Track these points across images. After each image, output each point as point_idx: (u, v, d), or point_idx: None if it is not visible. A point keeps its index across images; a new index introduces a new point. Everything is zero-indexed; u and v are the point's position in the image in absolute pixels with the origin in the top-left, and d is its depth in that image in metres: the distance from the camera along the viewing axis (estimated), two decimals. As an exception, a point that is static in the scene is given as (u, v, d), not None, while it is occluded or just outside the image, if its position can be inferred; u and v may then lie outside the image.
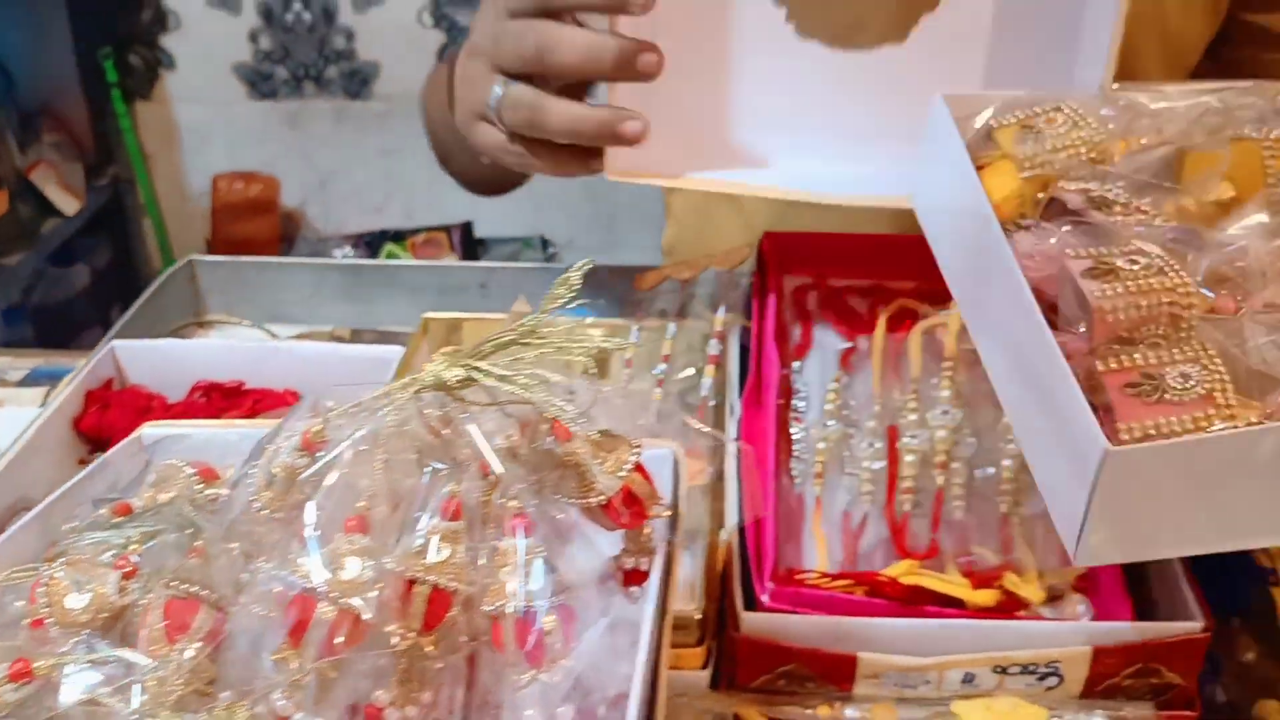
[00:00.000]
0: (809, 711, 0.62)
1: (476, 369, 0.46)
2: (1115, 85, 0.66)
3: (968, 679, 0.61)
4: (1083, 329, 0.52)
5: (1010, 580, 0.64)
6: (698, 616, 0.63)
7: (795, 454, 0.73)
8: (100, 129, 2.23)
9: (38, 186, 2.11)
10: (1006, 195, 0.58)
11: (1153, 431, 0.48)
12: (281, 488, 0.46)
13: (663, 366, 0.83)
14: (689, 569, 0.67)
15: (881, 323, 0.77)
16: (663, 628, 0.52)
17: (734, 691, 0.63)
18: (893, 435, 0.71)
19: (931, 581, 0.63)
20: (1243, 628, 0.74)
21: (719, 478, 0.70)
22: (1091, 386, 0.50)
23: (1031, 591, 0.63)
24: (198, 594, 0.47)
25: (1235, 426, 0.48)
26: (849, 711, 0.62)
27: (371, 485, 0.45)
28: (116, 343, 0.92)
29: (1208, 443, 0.48)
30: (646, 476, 0.52)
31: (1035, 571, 0.66)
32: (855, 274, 0.82)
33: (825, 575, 0.65)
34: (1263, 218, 0.55)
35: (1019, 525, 0.68)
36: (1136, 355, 0.50)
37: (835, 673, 0.61)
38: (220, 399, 0.94)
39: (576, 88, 0.74)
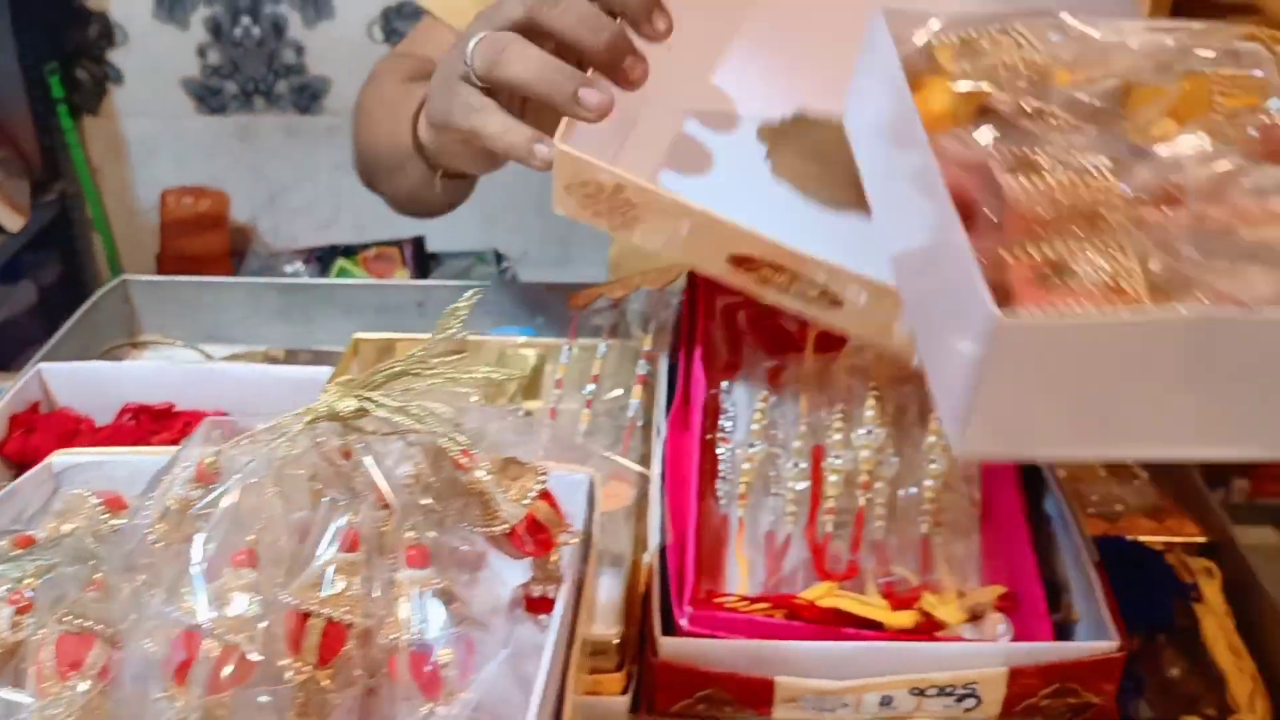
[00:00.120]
0: (728, 736, 0.61)
1: (369, 399, 0.45)
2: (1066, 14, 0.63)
3: (885, 701, 0.61)
4: (998, 222, 0.50)
5: (928, 601, 0.64)
6: (616, 641, 0.62)
7: (721, 474, 0.73)
8: (46, 144, 2.20)
9: (-18, 203, 2.09)
10: (940, 111, 0.57)
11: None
12: (175, 520, 0.46)
13: (592, 387, 0.83)
14: (612, 593, 0.67)
15: (811, 343, 0.77)
16: (571, 654, 0.52)
17: (653, 716, 0.62)
18: (817, 455, 0.71)
19: (850, 604, 0.62)
20: (1168, 643, 0.74)
21: (642, 501, 0.70)
22: (997, 278, 0.47)
23: (949, 612, 0.63)
24: (92, 629, 0.46)
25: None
26: (768, 735, 0.61)
27: (264, 518, 0.44)
28: (43, 365, 0.91)
29: (1108, 327, 0.45)
30: (553, 504, 0.52)
31: (955, 592, 0.66)
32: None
33: (744, 599, 0.64)
34: (1205, 144, 0.54)
35: (940, 545, 0.69)
36: (1046, 248, 0.48)
37: (753, 697, 0.61)
38: (150, 421, 0.93)
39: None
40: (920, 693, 0.61)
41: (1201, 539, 0.81)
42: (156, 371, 0.96)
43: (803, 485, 0.70)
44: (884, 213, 0.60)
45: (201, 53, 2.23)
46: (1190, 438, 0.47)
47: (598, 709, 0.62)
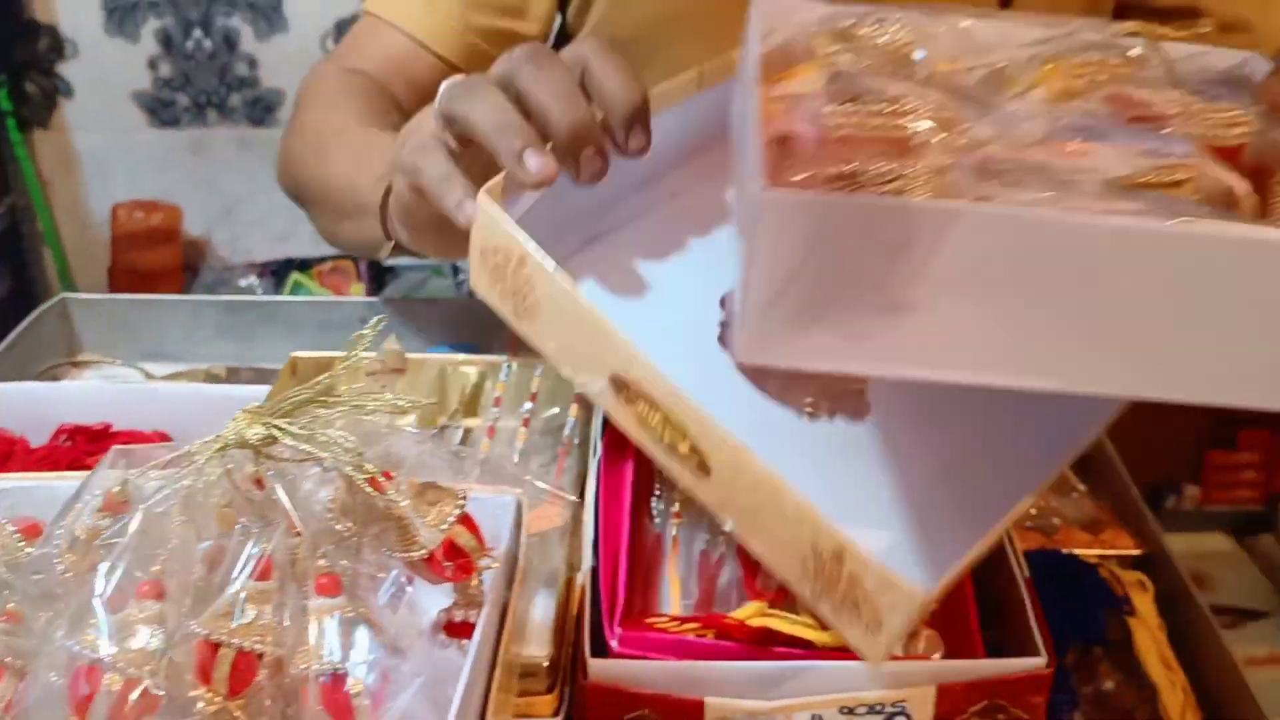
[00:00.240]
0: (659, 757, 0.61)
1: (277, 427, 0.45)
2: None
3: (816, 720, 0.61)
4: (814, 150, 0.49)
5: (859, 619, 0.64)
6: (545, 663, 0.62)
7: (656, 493, 0.73)
8: (-5, 158, 2.18)
9: (-70, 218, 2.07)
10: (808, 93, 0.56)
11: None
12: (83, 550, 0.45)
13: (529, 405, 0.83)
14: (546, 614, 0.67)
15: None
16: (493, 678, 0.52)
17: (584, 738, 0.62)
18: (752, 473, 0.71)
19: (779, 623, 0.62)
20: (1103, 656, 0.75)
21: (574, 521, 0.70)
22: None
23: (880, 630, 0.63)
24: (1, 660, 0.45)
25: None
26: (698, 756, 0.61)
27: (169, 548, 0.44)
28: (-24, 385, 0.90)
29: (868, 208, 0.42)
30: (473, 528, 0.51)
31: (886, 609, 0.65)
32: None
33: (675, 619, 0.64)
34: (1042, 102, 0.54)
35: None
36: (846, 165, 0.47)
37: (684, 718, 0.61)
38: (86, 442, 0.92)
39: None
40: (850, 711, 0.61)
41: (1137, 551, 0.81)
42: (93, 391, 0.95)
43: (737, 503, 0.70)
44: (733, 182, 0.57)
45: (153, 65, 2.21)
46: (982, 361, 0.45)
47: (529, 731, 0.62)
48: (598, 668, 0.61)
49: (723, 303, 0.66)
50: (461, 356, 0.91)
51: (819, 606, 0.55)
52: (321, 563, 0.46)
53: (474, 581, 0.52)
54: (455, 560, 0.50)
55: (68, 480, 0.65)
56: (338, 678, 0.44)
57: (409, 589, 0.53)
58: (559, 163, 0.59)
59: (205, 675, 0.44)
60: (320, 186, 0.94)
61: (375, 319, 0.50)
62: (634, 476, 0.71)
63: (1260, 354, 0.45)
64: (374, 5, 1.04)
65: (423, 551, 0.49)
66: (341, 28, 2.16)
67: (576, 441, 0.79)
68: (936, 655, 0.64)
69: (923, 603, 0.51)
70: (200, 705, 0.43)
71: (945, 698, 0.61)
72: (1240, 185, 0.50)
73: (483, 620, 0.51)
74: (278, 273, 2.27)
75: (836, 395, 0.66)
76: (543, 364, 0.86)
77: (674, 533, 0.71)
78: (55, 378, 1.04)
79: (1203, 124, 0.55)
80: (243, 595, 0.44)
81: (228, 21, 2.18)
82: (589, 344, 0.57)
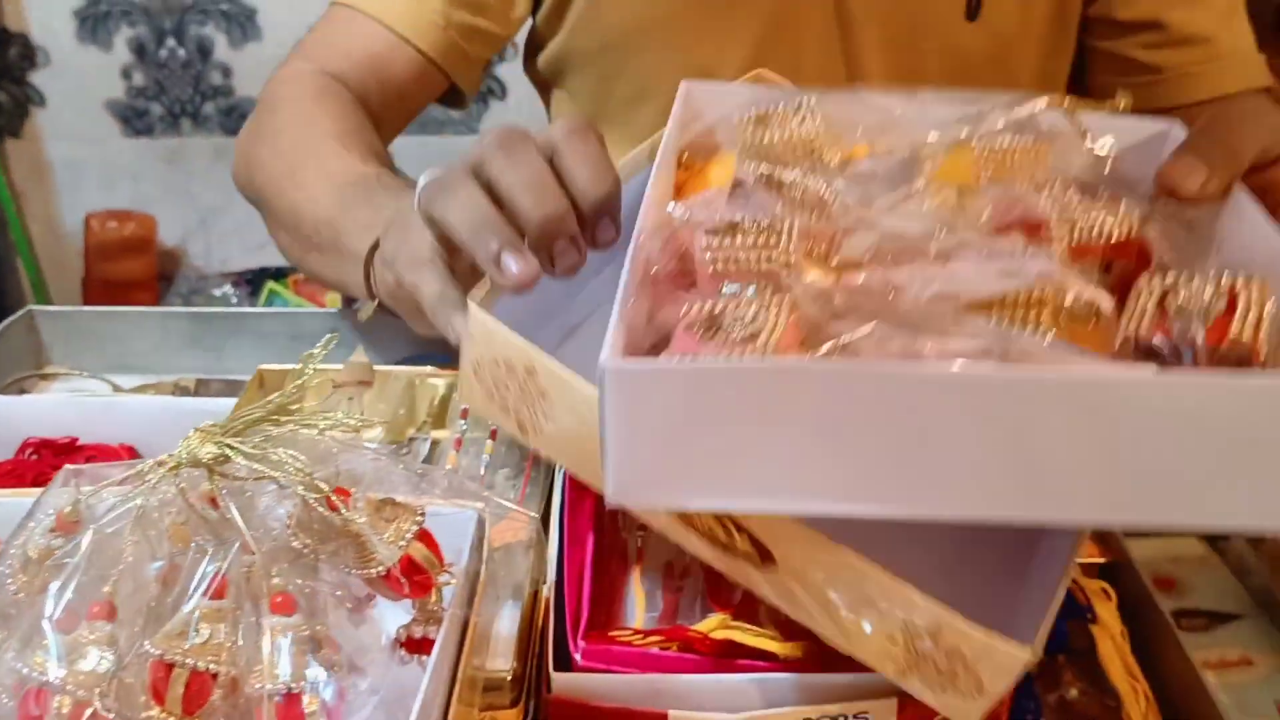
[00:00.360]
0: (623, 770, 0.61)
1: (229, 446, 0.45)
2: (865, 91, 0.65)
3: (779, 732, 0.61)
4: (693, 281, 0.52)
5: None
6: (508, 676, 0.62)
7: (622, 505, 0.73)
8: (-34, 168, 2.17)
9: (-100, 228, 2.06)
10: (722, 183, 0.58)
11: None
12: (34, 570, 0.45)
13: (497, 417, 0.83)
14: (512, 627, 0.67)
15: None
16: (453, 694, 0.52)
17: (548, 752, 0.62)
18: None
19: (742, 635, 0.62)
20: (1067, 664, 0.75)
21: (538, 534, 0.70)
22: (668, 331, 0.48)
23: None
24: (-47, 681, 0.45)
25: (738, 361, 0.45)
26: (662, 768, 0.61)
27: (120, 568, 0.43)
28: (-60, 400, 0.90)
29: (706, 373, 0.44)
30: (432, 544, 0.51)
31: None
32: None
33: (639, 632, 0.64)
34: (924, 213, 0.55)
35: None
36: (714, 302, 0.49)
37: (648, 730, 0.61)
38: (52, 457, 0.91)
39: None
40: (813, 722, 0.61)
41: (1101, 560, 0.82)
42: (60, 405, 0.95)
43: (701, 514, 0.70)
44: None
45: (126, 74, 2.21)
46: (828, 493, 0.46)
47: (493, 745, 0.62)
48: (562, 681, 0.61)
49: None
50: (430, 368, 0.91)
51: (907, 681, 0.55)
52: (276, 581, 0.45)
53: (433, 597, 0.52)
54: (413, 576, 0.50)
55: (31, 496, 0.65)
56: (292, 696, 0.44)
57: (370, 606, 0.53)
58: (534, 255, 0.57)
59: (159, 695, 0.43)
60: (289, 211, 0.91)
61: (326, 337, 0.49)
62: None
63: (1061, 474, 0.46)
64: None
65: (380, 568, 0.49)
66: (316, 37, 2.16)
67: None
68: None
69: (1027, 662, 0.51)
70: (154, 726, 0.43)
71: (906, 709, 0.61)
72: (1104, 300, 0.51)
73: (441, 636, 0.51)
74: (253, 281, 2.26)
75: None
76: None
77: (638, 545, 0.71)
78: (23, 390, 1.03)
79: (1082, 223, 0.56)
80: (197, 614, 0.44)
81: (201, 30, 2.18)
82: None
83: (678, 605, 0.69)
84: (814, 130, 0.61)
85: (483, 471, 0.78)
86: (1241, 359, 0.50)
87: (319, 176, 0.88)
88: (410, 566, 0.50)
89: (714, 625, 0.63)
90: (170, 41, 2.18)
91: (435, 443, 0.85)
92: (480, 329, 0.57)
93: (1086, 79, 1.09)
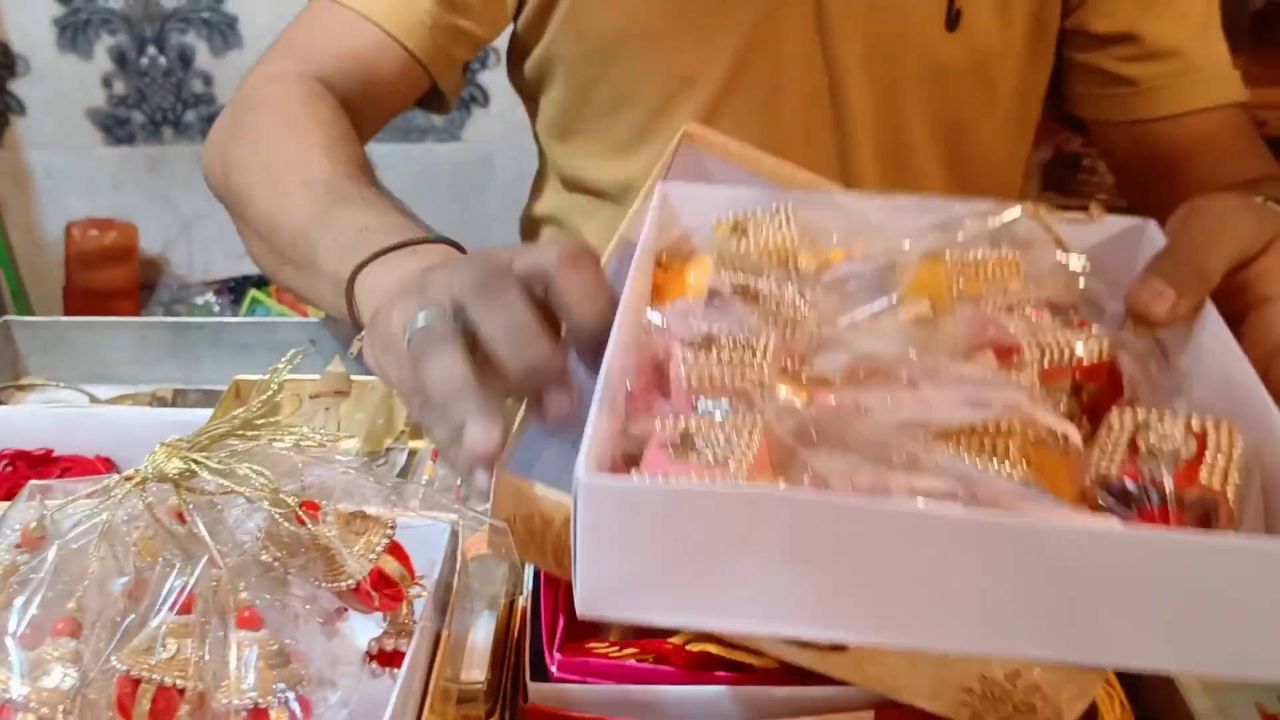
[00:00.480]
0: (599, 781, 0.61)
1: (195, 461, 0.44)
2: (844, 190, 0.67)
3: (754, 742, 0.61)
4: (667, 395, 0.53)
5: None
6: (482, 687, 0.62)
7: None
8: (-53, 177, 2.16)
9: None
10: (699, 288, 0.59)
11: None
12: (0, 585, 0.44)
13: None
14: (489, 637, 0.66)
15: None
16: (424, 705, 0.51)
17: (524, 763, 0.62)
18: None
19: (718, 647, 0.62)
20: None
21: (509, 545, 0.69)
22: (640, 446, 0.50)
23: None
24: (-81, 698, 0.45)
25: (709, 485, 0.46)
26: (639, 780, 0.61)
27: (84, 584, 0.43)
28: (-86, 412, 0.89)
29: (678, 494, 0.45)
30: (402, 556, 0.51)
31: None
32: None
33: (614, 643, 0.64)
34: (894, 333, 0.56)
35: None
36: (687, 419, 0.50)
37: (623, 741, 0.61)
38: (27, 468, 0.91)
39: None
40: (788, 733, 0.61)
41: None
42: (35, 416, 0.95)
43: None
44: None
45: (107, 83, 2.20)
46: (794, 617, 0.47)
47: (469, 757, 0.62)
48: (538, 691, 0.61)
49: None
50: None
51: None
52: (244, 595, 0.45)
53: (404, 610, 0.51)
54: (384, 589, 0.50)
55: (3, 509, 0.65)
56: (259, 711, 0.43)
57: (343, 619, 0.53)
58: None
59: (125, 711, 0.43)
60: (266, 219, 0.88)
61: (292, 351, 0.49)
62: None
63: (1023, 614, 0.47)
64: None
65: (350, 581, 0.48)
66: (297, 44, 2.16)
67: (520, 463, 0.79)
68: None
69: (1099, 683, 0.54)
70: (121, 742, 0.43)
71: None
72: (1072, 433, 0.53)
73: (412, 648, 0.50)
74: (235, 290, 2.26)
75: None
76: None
77: (616, 555, 0.71)
78: (0, 403, 1.03)
79: (1054, 347, 0.57)
80: (164, 630, 0.44)
81: (183, 38, 2.17)
82: None
83: (654, 615, 0.68)
84: (790, 236, 0.62)
85: (459, 482, 0.78)
86: (1208, 506, 0.51)
87: (300, 187, 0.85)
88: (380, 579, 0.49)
89: (690, 637, 0.63)
90: (151, 50, 2.18)
91: (413, 452, 0.85)
92: (507, 490, 0.55)
93: (1065, 89, 1.09)
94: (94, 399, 1.04)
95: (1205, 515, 0.51)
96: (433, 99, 1.07)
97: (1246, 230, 0.65)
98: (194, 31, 2.17)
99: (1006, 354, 0.57)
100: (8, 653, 0.41)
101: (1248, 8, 2.08)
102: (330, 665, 0.48)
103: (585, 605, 0.47)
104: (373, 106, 1.01)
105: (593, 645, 0.64)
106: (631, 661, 0.63)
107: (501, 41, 1.11)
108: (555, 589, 0.66)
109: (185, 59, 2.18)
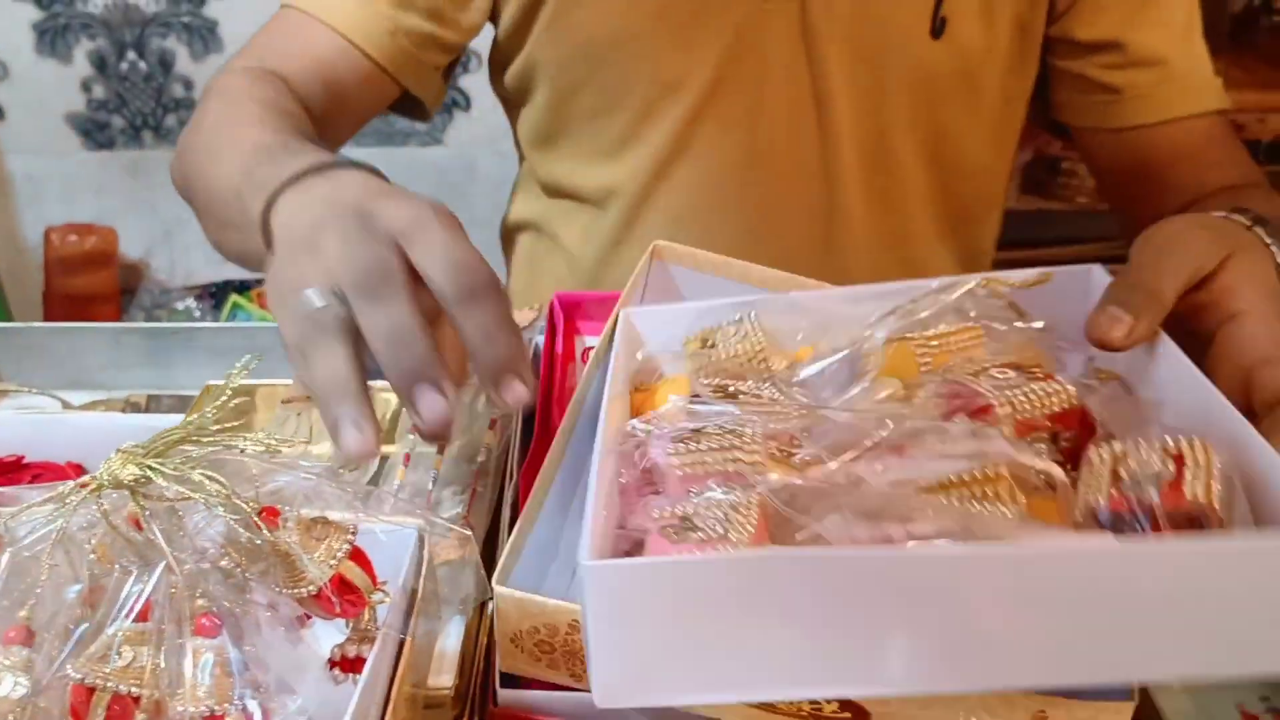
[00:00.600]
0: (568, 787, 0.61)
1: (150, 467, 0.44)
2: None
3: (723, 747, 0.61)
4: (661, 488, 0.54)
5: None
6: (449, 693, 0.61)
7: (571, 519, 0.72)
8: (-75, 182, 2.15)
9: None
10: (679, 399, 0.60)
11: None
12: (-46, 595, 0.44)
13: (447, 431, 0.82)
14: (458, 642, 0.66)
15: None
16: (386, 712, 0.51)
17: (493, 769, 0.61)
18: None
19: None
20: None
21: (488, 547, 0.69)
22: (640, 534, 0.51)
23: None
24: (-128, 708, 0.44)
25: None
26: (608, 786, 0.61)
27: (38, 592, 0.43)
28: (-116, 418, 0.88)
29: (683, 566, 0.46)
30: (364, 562, 0.51)
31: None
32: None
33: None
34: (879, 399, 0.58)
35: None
36: (684, 504, 0.51)
37: (593, 747, 0.60)
38: (-3, 475, 0.90)
39: None
40: (759, 737, 0.60)
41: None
42: (6, 422, 0.93)
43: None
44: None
45: (86, 87, 2.19)
46: (811, 678, 0.48)
47: (437, 763, 0.61)
48: (508, 697, 0.60)
49: None
50: (382, 383, 0.90)
51: None
52: (201, 602, 0.45)
53: (366, 616, 0.51)
54: (345, 595, 0.49)
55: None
56: (215, 718, 0.43)
57: (307, 626, 0.52)
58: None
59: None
60: (203, 189, 0.87)
61: (247, 358, 0.49)
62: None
63: (1036, 642, 0.48)
64: (299, 0, 0.99)
65: (311, 587, 0.48)
66: (278, 48, 2.15)
67: (492, 468, 0.79)
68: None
69: (1129, 713, 0.54)
70: (75, 750, 0.42)
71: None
72: (1056, 472, 0.54)
73: (374, 654, 0.50)
74: (216, 295, 2.25)
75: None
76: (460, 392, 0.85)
77: (587, 559, 0.70)
78: (-28, 409, 1.02)
79: (1023, 401, 0.59)
80: (119, 637, 0.44)
81: (163, 43, 2.16)
82: None
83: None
84: (758, 341, 0.63)
85: (430, 487, 0.77)
86: (1198, 518, 0.52)
87: (232, 151, 0.82)
88: (342, 585, 0.49)
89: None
90: (131, 54, 2.17)
91: (384, 458, 0.84)
92: (509, 604, 0.56)
93: (1049, 96, 1.10)
94: (67, 405, 1.03)
95: (1196, 528, 0.52)
96: (412, 106, 1.07)
97: (1198, 249, 0.66)
98: (174, 36, 2.16)
99: (980, 414, 0.59)
100: (-41, 661, 0.41)
101: (1226, 12, 2.09)
102: (293, 672, 0.48)
103: (603, 696, 0.48)
104: (340, 113, 1.01)
105: (562, 651, 0.64)
106: (601, 667, 0.63)
107: (482, 45, 1.10)
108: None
109: (165, 63, 2.18)
